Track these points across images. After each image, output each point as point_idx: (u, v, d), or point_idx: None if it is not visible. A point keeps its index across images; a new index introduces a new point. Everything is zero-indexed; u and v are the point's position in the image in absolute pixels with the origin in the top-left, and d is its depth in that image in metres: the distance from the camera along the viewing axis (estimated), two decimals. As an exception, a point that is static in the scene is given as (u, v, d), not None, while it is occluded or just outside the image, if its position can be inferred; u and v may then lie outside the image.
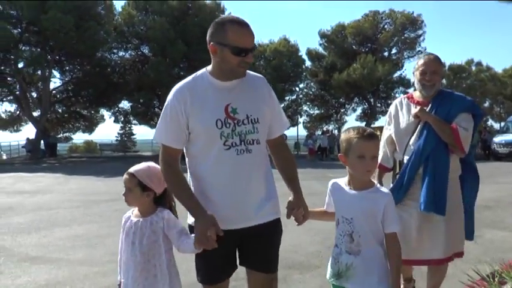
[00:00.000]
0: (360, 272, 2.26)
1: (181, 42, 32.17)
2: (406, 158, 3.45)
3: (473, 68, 45.06)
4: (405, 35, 39.62)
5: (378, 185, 2.37)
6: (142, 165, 2.56)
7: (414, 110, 3.45)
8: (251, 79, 2.47)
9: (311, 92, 42.29)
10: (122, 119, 40.53)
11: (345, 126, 44.20)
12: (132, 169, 2.54)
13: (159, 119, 2.41)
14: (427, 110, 3.43)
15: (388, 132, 3.66)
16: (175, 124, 2.34)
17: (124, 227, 2.57)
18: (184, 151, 2.46)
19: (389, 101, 40.25)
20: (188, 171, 2.48)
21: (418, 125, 3.45)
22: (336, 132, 36.92)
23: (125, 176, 2.53)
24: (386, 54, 39.40)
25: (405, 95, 3.75)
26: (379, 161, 3.54)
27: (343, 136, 2.33)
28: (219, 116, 2.33)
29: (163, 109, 2.41)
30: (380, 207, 2.25)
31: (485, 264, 5.02)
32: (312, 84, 41.81)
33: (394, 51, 40.88)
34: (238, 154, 2.35)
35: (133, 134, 41.36)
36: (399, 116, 3.60)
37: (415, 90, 3.71)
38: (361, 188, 2.31)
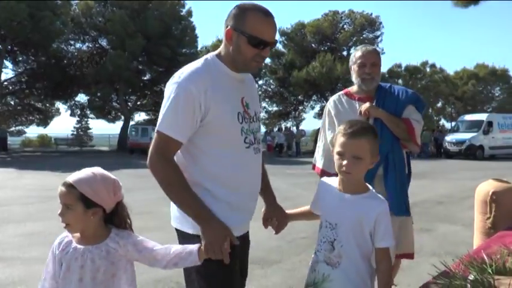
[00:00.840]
0: (336, 286, 1.95)
1: (141, 35, 31.69)
2: None
3: (428, 69, 46.35)
4: (364, 35, 40.26)
5: (374, 191, 2.07)
6: (85, 172, 1.89)
7: (362, 106, 3.25)
8: (246, 74, 2.22)
9: (270, 89, 42.45)
10: (79, 112, 39.48)
11: (303, 124, 44.77)
12: (70, 178, 1.86)
13: (165, 107, 1.99)
14: (373, 104, 3.27)
15: (332, 133, 3.31)
16: (189, 115, 1.95)
17: (60, 256, 1.88)
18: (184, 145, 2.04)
19: (346, 100, 40.87)
20: (185, 169, 2.05)
21: (367, 120, 3.18)
22: (294, 129, 37.28)
23: (61, 188, 1.84)
24: (345, 53, 39.93)
25: (341, 92, 3.51)
26: (320, 166, 3.42)
27: (338, 132, 2.07)
28: (239, 109, 2.09)
29: (170, 95, 1.98)
30: (371, 217, 1.93)
31: (445, 256, 5.30)
32: (271, 81, 41.97)
33: (352, 50, 41.43)
34: (255, 153, 2.15)
35: (90, 128, 40.44)
36: (342, 115, 3.29)
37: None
38: (353, 191, 2.01)
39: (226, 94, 2.04)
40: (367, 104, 3.23)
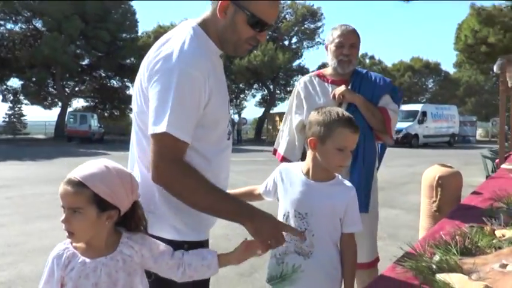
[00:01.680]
0: (308, 276, 1.87)
1: (79, 18, 30.48)
2: None
3: (367, 60, 47.55)
4: (305, 26, 40.77)
5: (340, 177, 1.99)
6: (96, 166, 1.47)
7: (336, 89, 2.93)
8: None
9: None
10: (11, 98, 37.44)
11: (244, 112, 44.81)
12: (77, 174, 1.44)
13: (165, 100, 1.52)
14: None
15: (299, 117, 3.03)
16: (196, 109, 1.58)
17: (62, 275, 1.45)
18: None
19: (288, 88, 41.41)
20: None
21: (341, 105, 2.89)
22: (236, 117, 37.26)
23: (65, 188, 1.42)
24: (286, 43, 40.31)
25: (313, 73, 3.20)
26: (282, 152, 3.13)
27: (318, 117, 1.90)
28: (228, 97, 1.84)
29: (169, 84, 1.52)
30: (342, 203, 1.90)
31: (388, 239, 5.47)
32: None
33: (294, 40, 41.92)
34: (230, 144, 1.88)
35: (24, 115, 38.53)
36: (313, 98, 3.01)
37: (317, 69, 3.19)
38: (322, 179, 1.93)
39: (220, 79, 1.74)
40: (342, 87, 2.92)
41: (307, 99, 3.02)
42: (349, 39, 2.93)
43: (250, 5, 1.61)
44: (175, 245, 1.62)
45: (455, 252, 1.56)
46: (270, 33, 40.83)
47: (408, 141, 27.97)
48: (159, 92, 1.53)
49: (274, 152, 3.23)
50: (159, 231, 1.65)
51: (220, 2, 1.62)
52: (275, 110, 40.99)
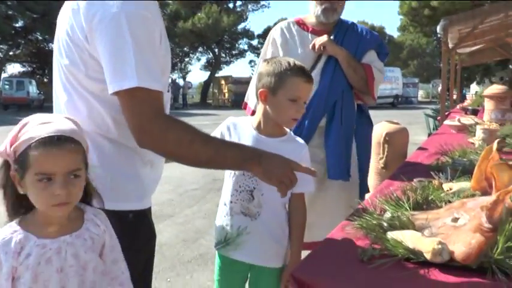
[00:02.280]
0: (254, 239, 1.76)
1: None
2: None
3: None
4: (250, -11, 40.15)
5: (292, 133, 1.87)
6: (65, 120, 1.25)
7: (317, 39, 2.60)
8: None
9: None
10: None
11: (189, 76, 44.10)
12: (60, 130, 1.18)
13: (125, 51, 1.27)
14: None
15: None
16: (157, 50, 1.39)
17: (15, 265, 1.15)
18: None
19: (233, 52, 40.94)
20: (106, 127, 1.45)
21: (319, 60, 2.64)
22: (181, 81, 36.59)
23: (58, 148, 1.14)
24: (231, 5, 39.52)
25: (292, 19, 2.82)
26: (252, 106, 2.73)
27: (268, 67, 1.73)
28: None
29: (120, 33, 1.28)
30: (296, 160, 1.66)
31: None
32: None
33: (239, 3, 41.21)
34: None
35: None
36: (290, 47, 2.68)
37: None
38: (273, 134, 1.79)
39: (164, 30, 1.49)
40: (324, 38, 2.58)
41: (284, 48, 2.68)
42: None
43: None
44: (120, 216, 1.41)
45: (407, 207, 1.46)
46: (214, -6, 40.49)
47: (353, 102, 28.42)
48: (111, 43, 1.28)
49: (245, 106, 2.85)
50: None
51: None
52: (220, 73, 40.53)
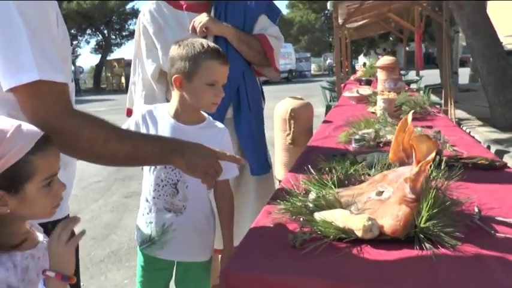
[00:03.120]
0: (180, 236, 1.67)
1: None
2: None
3: None
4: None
5: (211, 118, 1.76)
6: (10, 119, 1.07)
7: (195, 20, 2.20)
8: None
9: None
10: None
11: (79, 60, 41.92)
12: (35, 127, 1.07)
13: (20, 41, 1.08)
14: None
15: (153, 62, 2.28)
16: (54, 37, 1.21)
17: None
18: None
19: (123, 33, 39.46)
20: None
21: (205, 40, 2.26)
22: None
23: (54, 151, 1.07)
24: (117, -16, 37.96)
25: None
26: (140, 107, 2.22)
27: (181, 51, 1.60)
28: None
29: (14, 19, 1.09)
30: (217, 147, 1.58)
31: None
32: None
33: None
34: None
35: None
36: (166, 34, 2.25)
37: None
38: (191, 122, 1.68)
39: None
40: (203, 16, 2.20)
41: (159, 36, 2.27)
42: None
43: None
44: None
45: (331, 186, 1.45)
46: (99, -27, 38.49)
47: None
48: (2, 31, 1.08)
49: (129, 112, 2.46)
50: None
51: None
52: (112, 56, 39.00)
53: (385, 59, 5.85)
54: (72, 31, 37.75)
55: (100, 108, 16.69)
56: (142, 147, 1.28)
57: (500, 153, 5.95)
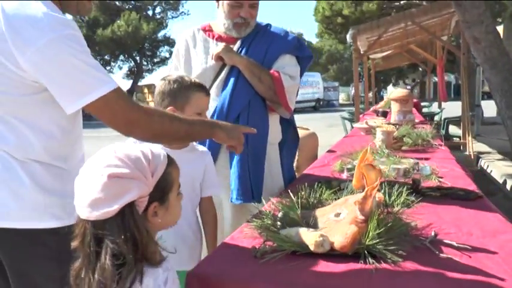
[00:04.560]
0: (169, 247, 1.74)
1: None
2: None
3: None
4: (169, -4, 40.06)
5: (193, 143, 1.95)
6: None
7: (215, 48, 2.40)
8: None
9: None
10: None
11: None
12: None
13: (76, 67, 1.35)
14: (235, 49, 2.42)
15: None
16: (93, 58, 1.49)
17: None
18: None
19: (155, 60, 40.51)
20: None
21: (222, 70, 2.43)
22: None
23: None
24: (150, 13, 39.19)
25: (198, 26, 2.60)
26: None
27: (171, 86, 1.84)
28: None
29: (66, 53, 1.35)
30: (201, 168, 1.91)
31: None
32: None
33: (158, 10, 40.97)
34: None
35: None
36: (191, 56, 2.47)
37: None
38: (178, 147, 1.87)
39: None
40: (220, 47, 2.37)
41: (186, 58, 2.50)
42: None
43: None
44: (54, 233, 1.46)
45: (296, 207, 1.63)
46: (133, 2, 39.82)
47: (276, 107, 28.93)
48: (60, 67, 1.33)
49: None
50: (31, 221, 1.45)
51: None
52: (143, 81, 40.05)
53: (399, 91, 6.02)
54: (106, 57, 39.05)
55: (128, 132, 17.12)
56: (194, 125, 1.59)
57: (515, 188, 5.99)
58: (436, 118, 10.80)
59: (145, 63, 41.11)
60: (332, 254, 1.37)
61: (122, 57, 40.33)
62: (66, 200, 1.50)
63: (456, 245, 1.47)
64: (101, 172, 1.08)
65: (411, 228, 1.58)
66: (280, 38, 2.48)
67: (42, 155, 1.47)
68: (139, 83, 38.54)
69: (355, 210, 1.38)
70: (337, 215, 1.48)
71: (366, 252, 1.34)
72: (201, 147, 2.01)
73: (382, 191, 1.94)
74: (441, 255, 1.42)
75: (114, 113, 1.40)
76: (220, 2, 2.42)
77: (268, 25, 2.58)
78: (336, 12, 16.84)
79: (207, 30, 2.54)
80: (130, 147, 1.16)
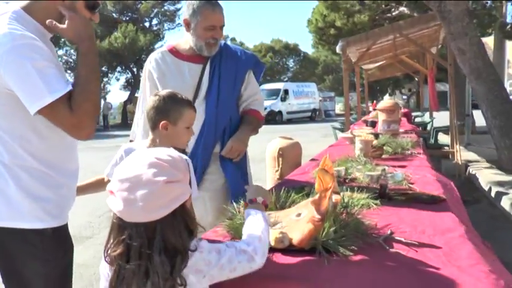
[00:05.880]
0: None
1: None
2: None
3: (229, 42, 48.27)
4: (165, 7, 40.33)
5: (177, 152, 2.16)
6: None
7: (228, 153, 2.65)
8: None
9: (71, 60, 39.99)
10: None
11: (109, 96, 43.33)
12: None
13: (30, 75, 1.55)
14: (207, 67, 2.69)
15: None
16: (54, 62, 1.69)
17: None
18: None
19: (153, 71, 40.66)
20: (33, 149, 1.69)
21: (200, 89, 2.67)
22: (101, 102, 35.88)
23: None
24: (147, 24, 39.55)
25: (164, 48, 2.81)
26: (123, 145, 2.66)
27: (165, 102, 1.99)
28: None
29: (24, 62, 1.56)
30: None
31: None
32: (72, 51, 39.53)
33: (155, 22, 41.30)
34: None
35: None
36: (168, 79, 2.66)
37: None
38: None
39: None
40: (238, 150, 2.68)
41: (161, 81, 2.67)
42: (220, 21, 2.62)
43: None
44: (37, 233, 1.65)
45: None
46: (129, 14, 40.19)
47: (273, 118, 29.06)
48: (16, 73, 1.54)
49: None
50: (18, 222, 1.64)
51: None
52: (137, 95, 40.16)
53: (385, 102, 6.21)
54: (103, 68, 39.27)
55: (125, 143, 17.25)
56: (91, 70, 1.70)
57: (499, 195, 6.12)
58: (429, 127, 10.98)
59: (142, 74, 41.32)
60: (291, 250, 1.54)
61: (119, 68, 40.52)
62: (50, 204, 1.70)
63: (404, 241, 1.65)
64: (156, 180, 1.20)
65: (369, 227, 1.74)
66: (242, 56, 2.80)
67: (26, 159, 1.66)
68: (137, 94, 38.59)
69: (313, 210, 1.55)
70: (299, 215, 1.64)
71: (321, 247, 1.51)
72: (183, 155, 2.14)
73: (351, 194, 2.14)
74: (391, 250, 1.59)
75: (59, 119, 1.59)
76: (192, 25, 2.61)
77: (226, 45, 2.84)
78: (329, 24, 17.12)
79: (175, 52, 2.73)
80: (165, 151, 1.32)
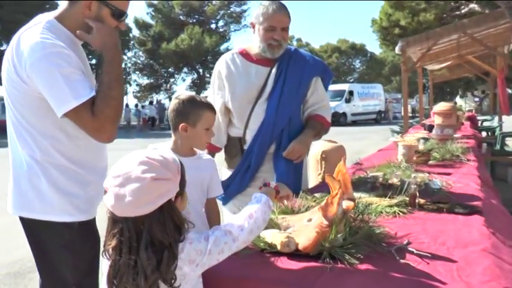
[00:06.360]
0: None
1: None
2: (248, 132, 2.79)
3: (295, 43, 48.37)
4: (231, 9, 40.93)
5: (199, 152, 2.19)
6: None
7: (290, 154, 2.70)
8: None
9: (140, 61, 41.54)
10: None
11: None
12: None
13: (58, 82, 1.68)
14: (274, 70, 2.78)
15: (220, 99, 2.84)
16: (80, 70, 1.81)
17: None
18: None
19: (218, 72, 41.43)
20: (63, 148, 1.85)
21: (264, 90, 2.77)
22: (166, 101, 37.02)
23: None
24: (213, 26, 40.34)
25: (235, 50, 2.92)
26: (215, 143, 2.89)
27: (187, 105, 2.08)
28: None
29: (48, 71, 1.71)
30: (208, 173, 2.15)
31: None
32: (140, 53, 41.06)
33: (221, 23, 42.06)
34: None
35: None
36: (235, 78, 2.78)
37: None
38: (188, 155, 2.11)
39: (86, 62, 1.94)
40: (299, 152, 2.74)
41: (229, 79, 2.80)
42: (281, 23, 2.67)
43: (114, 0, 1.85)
44: (66, 226, 1.81)
45: (275, 212, 1.83)
46: (196, 16, 41.15)
47: (337, 119, 28.66)
48: (46, 79, 1.68)
49: (210, 148, 2.84)
50: (49, 215, 1.81)
51: (83, 1, 1.82)
52: (205, 93, 40.95)
53: (441, 105, 6.01)
54: (170, 69, 40.47)
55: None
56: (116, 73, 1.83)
57: None
58: (497, 132, 10.46)
59: (207, 75, 42.17)
60: (297, 254, 1.55)
61: (185, 69, 41.64)
62: (78, 200, 1.84)
63: (416, 252, 1.60)
64: (144, 176, 1.27)
65: (385, 236, 1.72)
66: (310, 62, 2.88)
67: (56, 157, 1.82)
68: (202, 94, 39.43)
69: (321, 215, 1.55)
70: (310, 220, 1.65)
71: (326, 253, 1.51)
72: (205, 156, 2.25)
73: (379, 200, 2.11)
74: (401, 261, 1.55)
75: (82, 122, 1.73)
76: (256, 27, 2.73)
77: (296, 50, 2.93)
78: (394, 23, 16.72)
79: (245, 54, 2.85)
80: (158, 152, 1.38)
